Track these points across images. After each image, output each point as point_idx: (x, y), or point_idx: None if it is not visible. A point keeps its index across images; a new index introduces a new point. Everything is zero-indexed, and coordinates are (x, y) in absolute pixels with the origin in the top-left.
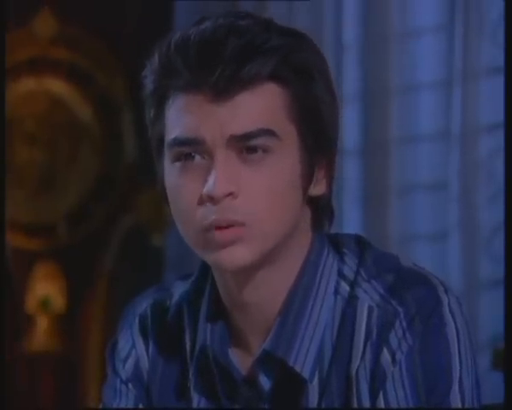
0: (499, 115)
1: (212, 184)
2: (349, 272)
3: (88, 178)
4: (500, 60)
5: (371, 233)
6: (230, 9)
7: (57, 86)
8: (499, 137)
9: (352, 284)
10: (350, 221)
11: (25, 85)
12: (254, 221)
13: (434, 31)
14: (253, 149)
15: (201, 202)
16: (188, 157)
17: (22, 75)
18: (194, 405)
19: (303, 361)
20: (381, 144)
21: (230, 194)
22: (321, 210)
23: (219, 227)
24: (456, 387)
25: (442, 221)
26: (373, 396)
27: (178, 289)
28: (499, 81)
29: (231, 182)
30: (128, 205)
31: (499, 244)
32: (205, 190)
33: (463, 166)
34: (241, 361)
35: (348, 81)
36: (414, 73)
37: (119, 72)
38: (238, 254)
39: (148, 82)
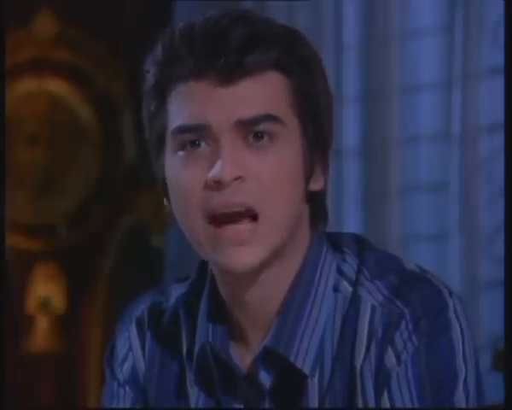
0: (499, 116)
1: (220, 168)
2: (350, 270)
3: (88, 179)
4: (500, 60)
5: (372, 234)
6: (230, 9)
7: (57, 87)
8: (499, 138)
9: (355, 284)
10: (350, 222)
11: (25, 86)
12: (266, 209)
13: (435, 31)
14: (259, 135)
15: (206, 187)
16: (192, 145)
17: (22, 76)
18: (193, 402)
19: (304, 357)
20: (382, 145)
21: (239, 177)
22: (318, 208)
23: (226, 221)
24: (461, 388)
25: (442, 222)
26: (378, 395)
27: (175, 292)
28: (499, 82)
29: (239, 166)
30: (128, 205)
31: (499, 245)
32: (210, 175)
33: (464, 167)
34: (241, 359)
35: (348, 81)
36: (414, 74)
37: (120, 72)
38: (247, 256)
39: (150, 75)
